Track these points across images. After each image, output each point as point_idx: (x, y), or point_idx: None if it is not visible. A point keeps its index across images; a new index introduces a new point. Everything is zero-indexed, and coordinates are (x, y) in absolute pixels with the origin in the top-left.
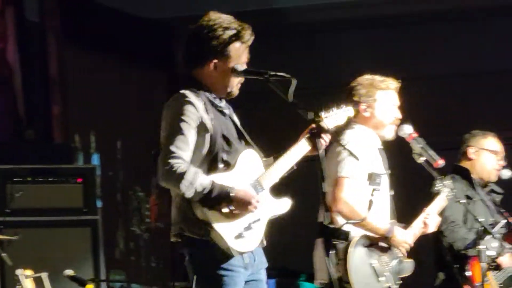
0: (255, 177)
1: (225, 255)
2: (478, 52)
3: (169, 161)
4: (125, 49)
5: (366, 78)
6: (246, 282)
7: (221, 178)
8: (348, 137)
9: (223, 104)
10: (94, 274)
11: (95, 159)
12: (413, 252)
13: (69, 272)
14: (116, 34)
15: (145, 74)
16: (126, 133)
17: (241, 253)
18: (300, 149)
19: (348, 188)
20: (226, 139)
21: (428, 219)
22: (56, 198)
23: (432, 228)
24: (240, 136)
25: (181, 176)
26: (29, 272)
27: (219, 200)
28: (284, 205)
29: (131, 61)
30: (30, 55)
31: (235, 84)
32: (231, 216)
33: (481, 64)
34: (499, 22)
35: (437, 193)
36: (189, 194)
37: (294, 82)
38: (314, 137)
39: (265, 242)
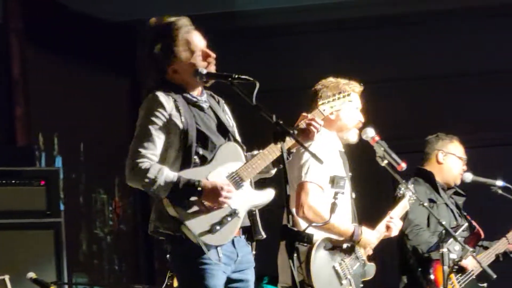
0: (234, 169)
1: (200, 249)
2: (438, 54)
3: (135, 160)
4: (88, 51)
5: (331, 81)
6: (232, 281)
7: (193, 172)
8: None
9: (203, 97)
10: (57, 277)
11: (58, 162)
12: (377, 256)
13: (32, 275)
14: (79, 36)
15: (108, 76)
16: (89, 135)
17: (214, 247)
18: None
19: (313, 193)
20: (202, 133)
21: (392, 223)
22: (19, 201)
23: (395, 232)
24: (222, 129)
25: (144, 172)
26: None
27: (186, 193)
28: (266, 195)
29: (94, 63)
30: None
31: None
32: (202, 210)
33: (442, 67)
34: (459, 24)
35: (400, 197)
36: (153, 190)
37: (257, 85)
38: (277, 140)
39: (264, 234)
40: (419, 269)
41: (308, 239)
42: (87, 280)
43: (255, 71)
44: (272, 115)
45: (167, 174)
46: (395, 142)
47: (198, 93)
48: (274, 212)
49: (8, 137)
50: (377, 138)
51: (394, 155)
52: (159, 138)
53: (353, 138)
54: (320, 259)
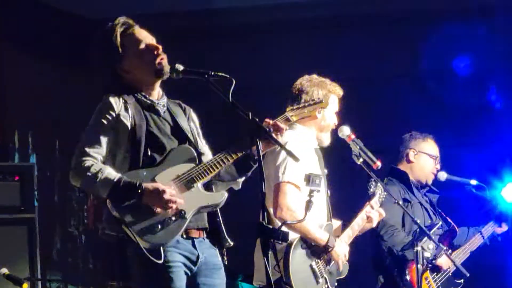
0: (185, 171)
1: (157, 250)
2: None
3: (78, 158)
4: (64, 48)
5: (317, 80)
6: (198, 285)
7: (136, 174)
8: (287, 137)
9: (162, 101)
10: (30, 273)
11: (32, 159)
12: (350, 256)
13: (5, 270)
14: (55, 33)
15: (79, 73)
16: (64, 132)
17: (154, 247)
18: (237, 147)
19: (290, 194)
20: (152, 135)
21: (371, 213)
22: None
23: (375, 222)
24: (177, 133)
25: (84, 171)
26: None
27: (126, 194)
28: (218, 196)
29: (70, 60)
30: None
31: (151, 63)
32: (145, 211)
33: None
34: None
35: (372, 195)
36: (92, 188)
37: (233, 82)
38: (254, 137)
39: (230, 242)
40: (395, 269)
41: (283, 237)
42: (61, 278)
43: (234, 69)
44: (248, 113)
45: (109, 173)
46: (366, 140)
47: (158, 97)
48: (249, 210)
49: None
50: (352, 136)
51: (369, 154)
52: (106, 138)
53: (328, 140)
54: (298, 258)
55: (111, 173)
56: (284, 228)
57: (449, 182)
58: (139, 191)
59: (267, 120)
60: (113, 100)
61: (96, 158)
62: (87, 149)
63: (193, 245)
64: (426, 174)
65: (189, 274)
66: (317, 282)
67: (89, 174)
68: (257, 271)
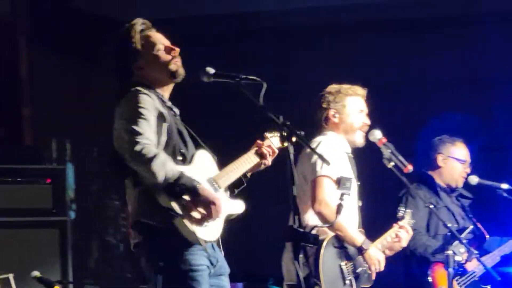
0: (211, 175)
1: (188, 244)
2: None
3: (139, 140)
4: (97, 51)
5: (334, 86)
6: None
7: (185, 171)
8: (316, 140)
9: (171, 104)
10: (62, 276)
11: (70, 168)
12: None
13: (36, 273)
14: (88, 36)
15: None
16: (102, 137)
17: (205, 242)
18: (251, 156)
19: (328, 187)
20: (181, 134)
21: (401, 232)
22: (25, 199)
23: (404, 242)
24: (191, 136)
25: (154, 157)
26: None
27: (185, 190)
28: (238, 206)
29: (103, 64)
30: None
31: (167, 64)
32: (192, 207)
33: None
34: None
35: (401, 219)
36: (158, 176)
37: (264, 85)
38: (284, 141)
39: (222, 252)
40: (417, 270)
41: (314, 241)
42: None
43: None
44: (279, 116)
45: (173, 165)
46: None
47: (168, 98)
48: (276, 214)
49: (15, 136)
50: (384, 140)
51: (400, 157)
52: (153, 123)
53: (359, 141)
54: (329, 255)
55: (175, 165)
56: (314, 232)
57: (481, 186)
58: (196, 191)
59: (258, 141)
60: (148, 93)
61: (154, 143)
62: (143, 132)
63: (213, 246)
64: (455, 178)
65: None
66: (344, 283)
67: (158, 161)
68: (286, 272)
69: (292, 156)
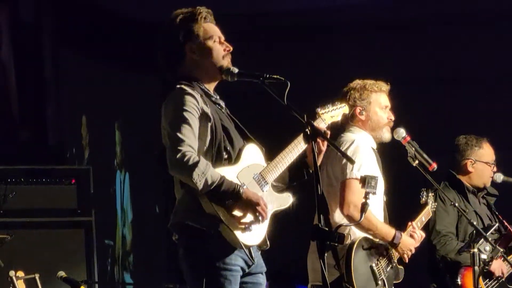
0: (258, 171)
1: (229, 250)
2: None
3: (180, 148)
4: (122, 51)
5: (358, 82)
6: (243, 283)
7: (228, 173)
8: (348, 138)
9: (217, 96)
10: (87, 275)
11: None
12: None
13: (62, 273)
14: (112, 35)
15: (143, 77)
16: (125, 135)
17: (249, 247)
18: (298, 145)
19: (358, 190)
20: (226, 130)
21: (415, 233)
22: (49, 199)
23: (417, 243)
24: (239, 130)
25: (194, 165)
26: (21, 273)
27: (227, 195)
28: (286, 199)
29: (128, 63)
30: (24, 55)
31: (221, 57)
32: (236, 210)
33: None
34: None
35: (424, 204)
36: (199, 184)
37: (288, 84)
38: (309, 140)
39: (268, 244)
40: (448, 275)
41: (339, 239)
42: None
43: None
44: (304, 115)
45: (214, 172)
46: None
47: (213, 91)
48: (302, 213)
49: (39, 136)
50: (408, 138)
51: (425, 155)
52: (196, 127)
53: (386, 137)
54: (360, 258)
55: (216, 171)
56: (341, 230)
57: (506, 184)
58: (238, 195)
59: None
60: (192, 91)
61: (194, 148)
62: (185, 139)
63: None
64: (484, 180)
65: (242, 274)
66: (376, 284)
67: (199, 169)
68: (312, 271)
69: (316, 155)
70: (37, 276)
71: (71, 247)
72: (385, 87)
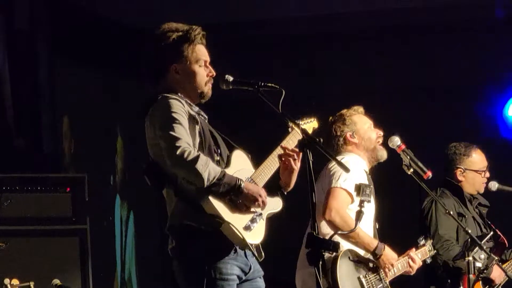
0: (248, 175)
1: (223, 252)
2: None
3: (179, 145)
4: (118, 59)
5: (333, 116)
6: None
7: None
8: (341, 158)
9: (199, 109)
10: (82, 284)
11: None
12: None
13: (57, 281)
14: (108, 43)
15: (140, 84)
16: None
17: (251, 245)
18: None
19: (342, 198)
20: (213, 137)
21: (413, 264)
22: (44, 207)
23: (413, 272)
24: (223, 139)
25: (196, 158)
26: (16, 281)
27: (228, 189)
28: (277, 203)
29: (123, 71)
30: (19, 63)
31: (204, 83)
32: (237, 208)
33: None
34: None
35: (420, 246)
36: (204, 175)
37: (283, 93)
38: (303, 148)
39: (263, 255)
40: (448, 280)
41: (334, 247)
42: None
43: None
44: (298, 123)
45: (215, 165)
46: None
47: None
48: (298, 221)
49: (35, 144)
50: (403, 146)
51: (420, 164)
52: (186, 127)
53: (383, 155)
54: (345, 268)
55: (215, 166)
56: (335, 238)
57: (501, 193)
58: (242, 186)
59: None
60: (175, 96)
61: (190, 144)
62: (181, 137)
63: (245, 254)
64: (476, 187)
65: (238, 282)
66: None
67: (200, 161)
68: (302, 284)
69: (311, 163)
70: (32, 284)
71: (66, 255)
72: (360, 109)
